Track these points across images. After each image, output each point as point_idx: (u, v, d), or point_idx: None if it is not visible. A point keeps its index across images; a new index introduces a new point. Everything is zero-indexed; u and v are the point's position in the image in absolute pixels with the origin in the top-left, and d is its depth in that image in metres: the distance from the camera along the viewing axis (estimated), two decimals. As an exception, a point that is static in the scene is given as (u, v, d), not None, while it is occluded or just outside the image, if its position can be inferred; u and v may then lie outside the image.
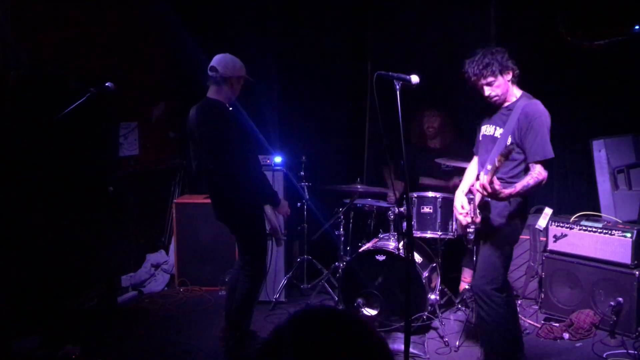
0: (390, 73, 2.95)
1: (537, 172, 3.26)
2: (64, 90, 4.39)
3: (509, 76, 3.39)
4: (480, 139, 3.64)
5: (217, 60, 3.82)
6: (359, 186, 4.92)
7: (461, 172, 5.04)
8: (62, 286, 4.47)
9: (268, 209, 3.95)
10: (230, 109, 3.87)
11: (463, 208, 3.53)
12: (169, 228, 5.86)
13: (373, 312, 4.33)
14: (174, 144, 6.17)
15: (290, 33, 5.70)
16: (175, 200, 5.69)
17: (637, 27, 3.09)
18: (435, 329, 4.42)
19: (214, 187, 3.94)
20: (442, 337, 4.27)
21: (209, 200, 5.48)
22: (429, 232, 4.53)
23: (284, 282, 5.13)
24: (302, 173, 5.21)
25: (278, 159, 5.17)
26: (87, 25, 5.06)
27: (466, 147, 5.15)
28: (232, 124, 3.78)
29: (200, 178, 4.21)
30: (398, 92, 2.92)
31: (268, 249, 4.09)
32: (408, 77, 2.96)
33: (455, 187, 5.09)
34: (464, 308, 4.64)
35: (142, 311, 5.08)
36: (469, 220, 3.42)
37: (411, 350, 3.77)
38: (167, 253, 5.83)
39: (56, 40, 4.75)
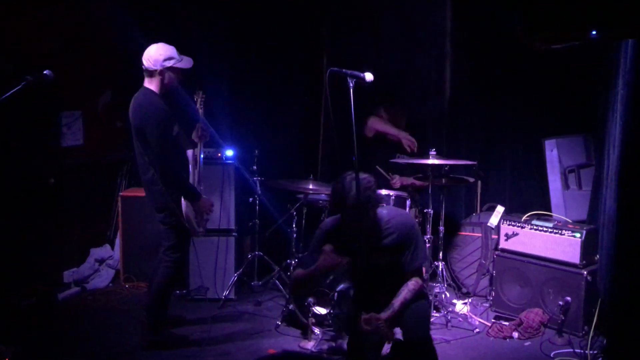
0: (343, 70, 2.85)
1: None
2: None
3: None
4: None
5: (145, 52, 3.85)
6: (310, 184, 4.80)
7: (414, 169, 5.02)
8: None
9: (183, 203, 3.95)
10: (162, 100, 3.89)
11: None
12: (115, 222, 5.65)
13: (323, 311, 4.24)
14: (121, 135, 5.92)
15: (242, 23, 5.54)
16: (121, 193, 5.47)
17: (594, 32, 3.08)
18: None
19: (144, 176, 3.97)
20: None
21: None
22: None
23: (234, 279, 5.00)
24: (255, 167, 5.08)
25: (230, 153, 5.04)
26: (28, 9, 4.77)
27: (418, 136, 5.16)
28: (157, 115, 3.81)
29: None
30: (352, 90, 2.82)
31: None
32: (362, 74, 2.87)
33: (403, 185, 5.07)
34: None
35: (85, 308, 4.88)
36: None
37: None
38: (112, 248, 5.62)
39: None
